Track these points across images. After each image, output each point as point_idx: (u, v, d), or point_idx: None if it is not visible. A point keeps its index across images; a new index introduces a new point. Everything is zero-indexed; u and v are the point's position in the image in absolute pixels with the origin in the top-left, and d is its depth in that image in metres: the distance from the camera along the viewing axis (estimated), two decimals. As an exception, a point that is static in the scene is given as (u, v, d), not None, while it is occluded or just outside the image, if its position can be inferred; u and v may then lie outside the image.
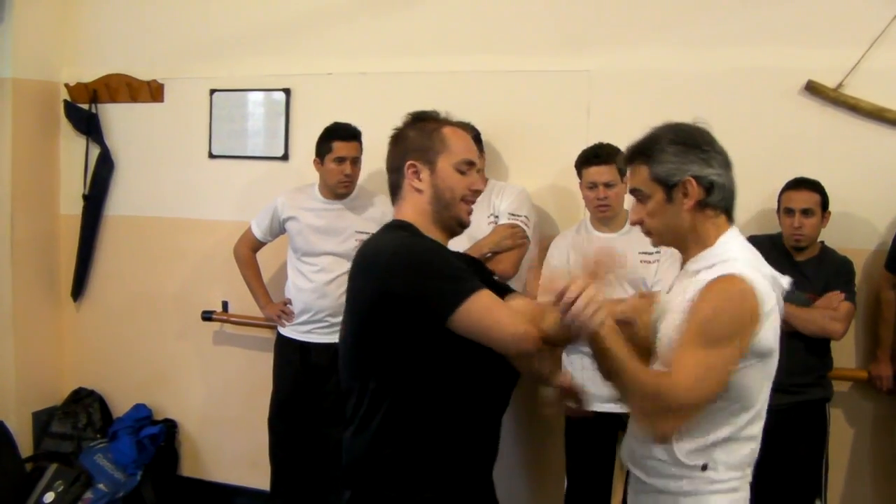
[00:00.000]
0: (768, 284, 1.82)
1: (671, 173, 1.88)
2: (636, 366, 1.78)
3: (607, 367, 1.81)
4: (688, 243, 1.94)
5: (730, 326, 1.76)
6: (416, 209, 2.05)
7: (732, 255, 1.85)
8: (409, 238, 1.96)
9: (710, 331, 1.75)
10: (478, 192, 2.09)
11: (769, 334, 1.82)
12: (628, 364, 1.77)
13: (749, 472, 1.93)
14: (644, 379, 1.78)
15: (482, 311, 1.84)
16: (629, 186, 2.01)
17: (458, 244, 3.52)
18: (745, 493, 1.92)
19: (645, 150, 1.92)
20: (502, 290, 2.20)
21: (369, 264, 1.95)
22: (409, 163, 2.04)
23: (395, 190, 2.11)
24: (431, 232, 2.03)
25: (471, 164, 2.06)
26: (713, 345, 1.75)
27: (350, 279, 2.04)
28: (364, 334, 1.96)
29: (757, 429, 1.90)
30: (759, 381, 1.86)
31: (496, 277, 2.32)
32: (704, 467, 1.86)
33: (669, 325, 1.90)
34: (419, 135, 2.06)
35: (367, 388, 1.96)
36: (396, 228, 2.02)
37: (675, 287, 2.00)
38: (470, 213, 2.09)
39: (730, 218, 1.95)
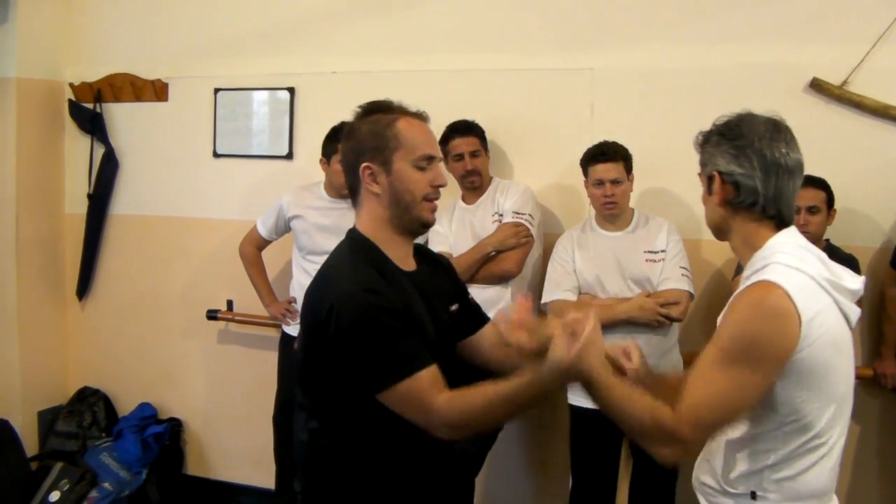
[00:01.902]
0: (816, 287, 1.63)
1: (705, 164, 1.82)
2: (628, 396, 1.68)
3: (600, 402, 1.71)
4: (735, 244, 1.81)
5: (754, 342, 1.59)
6: (373, 216, 1.94)
7: (775, 258, 1.67)
8: (364, 290, 1.80)
9: (732, 348, 1.60)
10: (440, 187, 1.95)
11: (821, 340, 1.61)
12: (618, 394, 1.67)
13: (825, 501, 1.74)
14: (639, 414, 1.66)
15: (409, 398, 1.76)
16: None
17: (462, 243, 3.56)
18: None
19: (705, 136, 1.84)
20: (476, 314, 2.17)
21: (324, 288, 1.88)
22: (363, 164, 1.90)
23: (352, 192, 1.98)
24: (391, 240, 1.94)
25: (430, 158, 1.93)
26: (733, 364, 1.59)
27: (306, 294, 1.94)
28: (310, 356, 1.89)
29: (821, 453, 1.68)
30: (814, 398, 1.64)
31: (469, 297, 2.22)
32: (753, 495, 1.71)
33: None
34: (371, 130, 1.91)
35: (314, 408, 1.93)
36: (359, 257, 1.91)
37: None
38: (433, 210, 1.96)
39: (779, 227, 1.75)
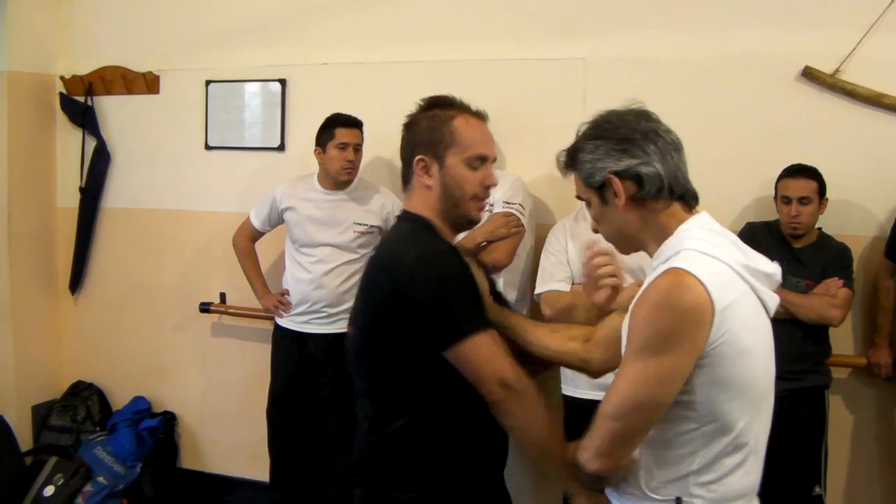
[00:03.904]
0: (732, 274, 1.54)
1: (591, 174, 1.66)
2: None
3: None
4: (646, 243, 1.68)
5: (668, 335, 1.50)
6: (425, 204, 1.97)
7: (686, 244, 1.57)
8: (439, 249, 1.89)
9: (647, 339, 1.52)
10: (490, 188, 1.99)
11: (737, 331, 1.52)
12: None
13: (748, 501, 1.65)
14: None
15: (479, 356, 1.81)
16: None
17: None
18: None
19: (571, 155, 1.73)
20: (504, 303, 2.17)
21: (393, 266, 1.88)
22: (417, 157, 1.95)
23: (405, 180, 2.03)
24: (441, 228, 1.98)
25: (483, 158, 1.96)
26: (651, 354, 1.51)
27: (368, 272, 1.99)
28: (380, 336, 1.90)
29: (744, 453, 1.60)
30: (732, 397, 1.55)
31: (499, 290, 2.25)
32: (678, 501, 1.61)
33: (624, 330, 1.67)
34: (429, 125, 1.96)
35: (379, 393, 1.93)
36: (419, 229, 1.96)
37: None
38: (482, 209, 2.00)
39: (688, 204, 1.66)
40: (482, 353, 1.81)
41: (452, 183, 1.93)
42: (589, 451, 1.61)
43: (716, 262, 1.53)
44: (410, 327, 1.82)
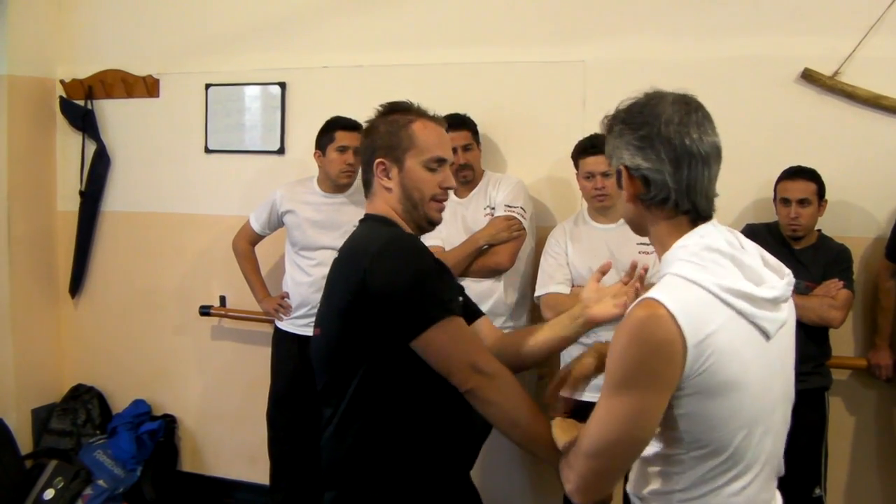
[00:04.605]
0: (715, 302, 1.46)
1: (610, 156, 1.63)
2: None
3: None
4: (653, 241, 1.64)
5: (640, 366, 1.44)
6: (386, 206, 2.01)
7: (672, 267, 1.51)
8: (401, 235, 1.94)
9: (619, 375, 1.47)
10: (449, 190, 2.03)
11: (718, 362, 1.43)
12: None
13: None
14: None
15: (448, 342, 1.82)
16: None
17: (455, 237, 3.55)
18: None
19: (609, 125, 1.65)
20: (472, 310, 2.18)
21: (353, 258, 1.91)
22: (377, 160, 1.99)
23: (366, 184, 2.07)
24: (402, 226, 2.00)
25: (441, 160, 2.00)
26: (622, 391, 1.46)
27: (332, 271, 1.99)
28: (342, 333, 1.90)
29: (733, 474, 1.52)
30: (718, 426, 1.48)
31: (468, 296, 2.24)
32: None
33: None
34: (388, 130, 2.00)
35: (342, 394, 1.92)
36: (383, 224, 1.99)
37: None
38: (441, 210, 2.04)
39: (695, 222, 1.57)
40: (451, 339, 1.82)
41: (411, 185, 1.98)
42: (572, 485, 1.58)
43: (696, 290, 1.46)
44: (375, 319, 1.82)
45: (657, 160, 1.53)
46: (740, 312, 1.47)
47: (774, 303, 1.53)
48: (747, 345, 1.48)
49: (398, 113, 2.02)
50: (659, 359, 1.42)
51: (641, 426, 1.47)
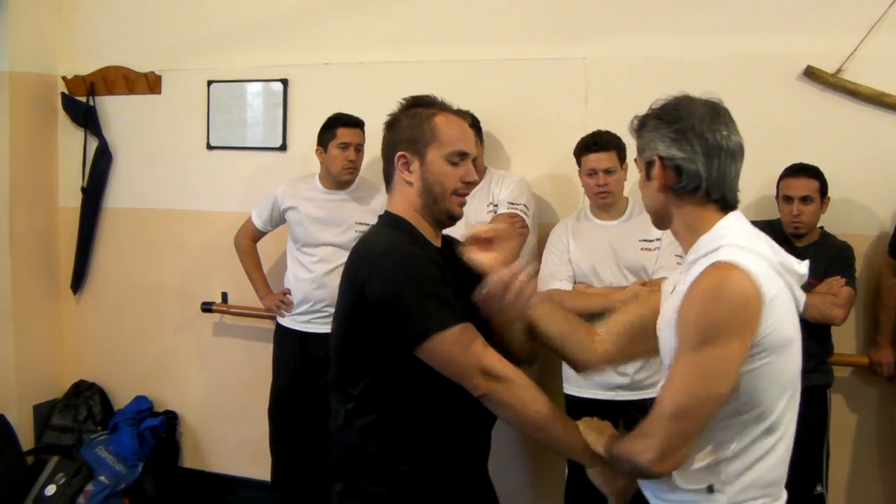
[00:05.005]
0: (771, 270, 1.58)
1: (643, 149, 1.74)
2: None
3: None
4: (676, 230, 1.75)
5: (725, 320, 1.53)
6: (406, 201, 1.99)
7: (727, 240, 1.62)
8: (403, 244, 1.91)
9: (700, 331, 1.54)
10: (471, 185, 2.01)
11: (781, 323, 1.57)
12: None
13: (776, 492, 1.68)
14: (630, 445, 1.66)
15: (454, 351, 1.79)
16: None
17: (456, 235, 3.54)
18: None
19: (641, 123, 1.77)
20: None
21: (358, 261, 1.92)
22: (398, 153, 1.97)
23: (387, 178, 2.05)
24: (422, 225, 1.99)
25: (463, 154, 1.97)
26: (706, 345, 1.53)
27: (344, 268, 2.00)
28: (348, 333, 1.92)
29: (773, 440, 1.63)
30: (772, 385, 1.60)
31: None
32: (710, 489, 1.64)
33: (665, 326, 1.71)
34: (410, 123, 1.98)
35: (352, 388, 1.92)
36: (393, 227, 1.98)
37: (677, 285, 1.74)
38: (462, 205, 2.01)
39: (723, 210, 1.70)
40: (457, 348, 1.79)
41: (433, 179, 1.96)
42: (653, 454, 1.59)
43: (757, 258, 1.58)
44: (377, 326, 1.82)
45: (691, 151, 1.66)
46: (787, 284, 1.63)
47: (801, 279, 1.69)
48: (792, 314, 1.64)
49: (421, 107, 2.01)
50: (739, 312, 1.53)
51: (724, 380, 1.54)
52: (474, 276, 2.06)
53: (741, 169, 1.72)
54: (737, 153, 1.70)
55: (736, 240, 1.61)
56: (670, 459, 1.59)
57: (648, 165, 1.73)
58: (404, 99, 2.05)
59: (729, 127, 1.70)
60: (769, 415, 1.61)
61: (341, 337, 1.95)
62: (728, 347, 1.53)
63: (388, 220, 2.01)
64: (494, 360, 1.81)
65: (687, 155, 1.66)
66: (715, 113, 1.69)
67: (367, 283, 1.82)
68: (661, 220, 1.78)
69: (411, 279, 1.82)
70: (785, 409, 1.64)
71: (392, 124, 2.03)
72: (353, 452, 1.95)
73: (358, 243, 2.00)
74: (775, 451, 1.64)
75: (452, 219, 2.02)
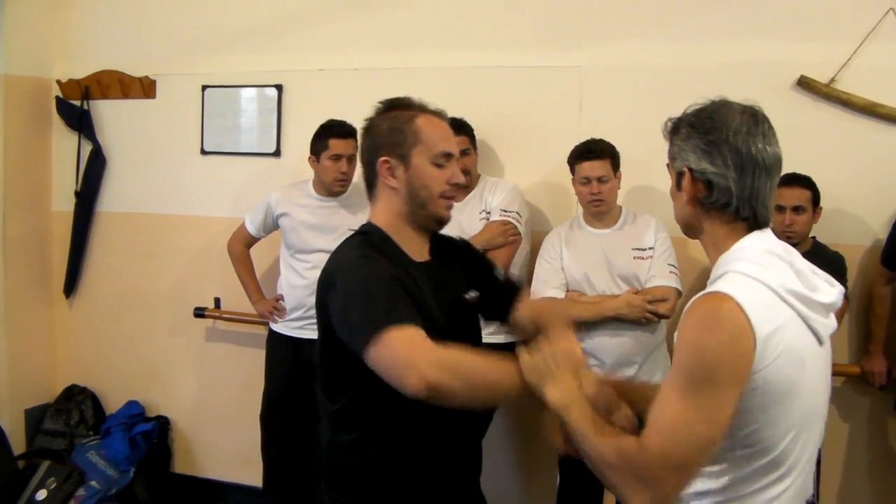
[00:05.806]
0: (776, 300, 1.47)
1: (674, 157, 1.64)
2: (594, 429, 1.53)
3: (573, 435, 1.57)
4: (704, 244, 1.65)
5: (711, 365, 1.42)
6: (390, 209, 1.93)
7: (736, 265, 1.52)
8: (357, 259, 1.83)
9: (689, 371, 1.44)
10: (458, 187, 1.96)
11: (776, 367, 1.44)
12: (585, 428, 1.54)
13: None
14: (603, 446, 1.50)
15: (393, 349, 1.63)
16: None
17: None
18: None
19: (675, 127, 1.66)
20: (504, 288, 2.15)
21: (325, 273, 1.88)
22: (381, 159, 1.90)
23: (369, 185, 1.98)
24: (406, 233, 1.94)
25: (448, 155, 1.92)
26: (694, 389, 1.42)
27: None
28: (323, 352, 1.89)
29: (776, 475, 1.51)
30: (770, 425, 1.48)
31: (496, 273, 2.19)
32: None
33: None
34: (391, 127, 1.91)
35: (335, 404, 1.91)
36: (358, 241, 1.92)
37: None
38: (450, 207, 1.95)
39: (752, 228, 1.59)
40: (393, 350, 1.63)
41: (419, 183, 1.90)
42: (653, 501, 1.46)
43: (759, 287, 1.48)
44: (342, 347, 1.76)
45: (723, 165, 1.55)
46: (799, 314, 1.50)
47: (828, 309, 1.57)
48: (804, 347, 1.51)
49: (399, 109, 1.94)
50: (732, 350, 1.41)
51: (721, 420, 1.43)
52: (474, 276, 2.06)
53: (777, 183, 1.61)
54: (773, 167, 1.58)
55: (743, 265, 1.51)
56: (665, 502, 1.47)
57: (679, 176, 1.63)
58: (380, 102, 1.99)
59: (767, 138, 1.58)
60: (770, 451, 1.50)
61: (320, 352, 1.92)
62: (722, 389, 1.41)
63: (362, 233, 1.96)
64: (432, 356, 1.62)
65: (718, 169, 1.56)
66: (753, 122, 1.58)
67: (333, 293, 1.79)
68: (690, 231, 1.69)
69: (357, 288, 1.75)
70: (791, 447, 1.52)
71: (370, 129, 1.97)
72: (339, 468, 1.93)
73: (329, 260, 1.93)
74: (779, 484, 1.52)
75: (440, 223, 1.97)
